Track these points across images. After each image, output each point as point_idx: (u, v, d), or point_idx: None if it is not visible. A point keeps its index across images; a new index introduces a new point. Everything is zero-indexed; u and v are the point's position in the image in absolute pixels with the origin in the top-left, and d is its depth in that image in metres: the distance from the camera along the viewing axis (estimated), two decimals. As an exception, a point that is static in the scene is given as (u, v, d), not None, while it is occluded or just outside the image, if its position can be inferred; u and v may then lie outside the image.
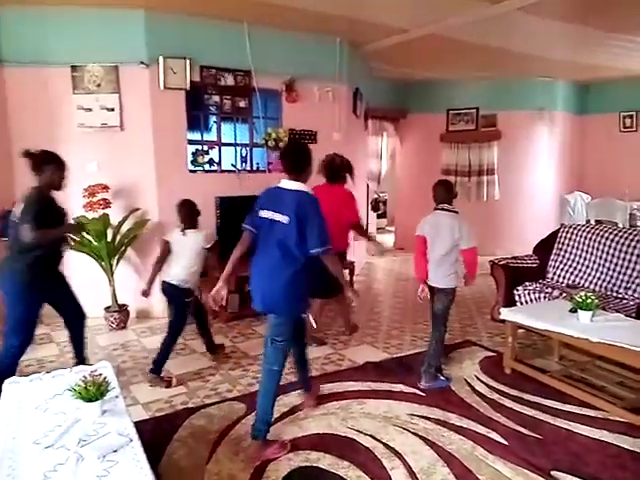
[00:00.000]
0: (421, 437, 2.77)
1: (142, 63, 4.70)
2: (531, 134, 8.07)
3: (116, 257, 4.67)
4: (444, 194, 3.45)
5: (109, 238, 4.59)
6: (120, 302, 4.71)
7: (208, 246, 3.60)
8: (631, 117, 8.12)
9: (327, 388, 3.37)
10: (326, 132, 5.87)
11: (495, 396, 3.27)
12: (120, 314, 4.65)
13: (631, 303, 3.84)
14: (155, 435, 2.77)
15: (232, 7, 4.65)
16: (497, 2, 4.50)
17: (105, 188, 4.64)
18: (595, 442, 2.73)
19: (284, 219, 2.61)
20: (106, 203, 4.60)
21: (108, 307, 4.68)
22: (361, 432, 2.82)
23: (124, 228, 4.69)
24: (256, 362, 3.85)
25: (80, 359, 3.45)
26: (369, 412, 3.06)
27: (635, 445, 2.69)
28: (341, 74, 5.91)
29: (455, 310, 5.22)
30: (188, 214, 3.58)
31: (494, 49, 6.07)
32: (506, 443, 2.71)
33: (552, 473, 2.44)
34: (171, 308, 3.66)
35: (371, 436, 2.78)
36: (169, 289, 3.52)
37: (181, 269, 3.51)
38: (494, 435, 2.79)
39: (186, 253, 3.53)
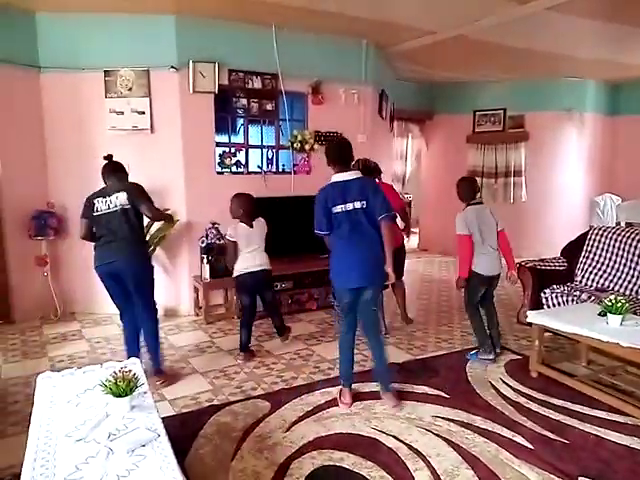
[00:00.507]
0: (445, 439, 2.75)
1: (172, 67, 4.80)
2: (559, 135, 7.92)
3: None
4: (472, 189, 3.85)
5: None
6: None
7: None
8: (666, 117, 7.90)
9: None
10: (351, 134, 5.85)
11: (521, 399, 3.23)
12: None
13: (663, 307, 3.74)
14: (182, 431, 2.84)
15: (260, 11, 4.71)
16: (525, 2, 4.45)
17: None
18: (625, 449, 2.67)
19: (361, 204, 2.98)
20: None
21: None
22: (384, 433, 2.82)
23: (153, 228, 4.79)
24: (280, 361, 3.90)
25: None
26: (393, 413, 3.06)
27: (667, 453, 2.62)
28: (367, 76, 5.92)
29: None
30: (253, 206, 3.93)
31: (521, 50, 5.99)
32: (532, 447, 2.68)
33: (580, 479, 2.41)
34: (251, 297, 3.98)
35: (394, 437, 2.78)
36: (258, 275, 3.88)
37: (260, 255, 3.91)
38: (519, 439, 2.76)
39: (257, 241, 3.91)
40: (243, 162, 5.36)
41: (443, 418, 2.99)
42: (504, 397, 3.27)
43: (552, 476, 2.42)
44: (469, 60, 6.68)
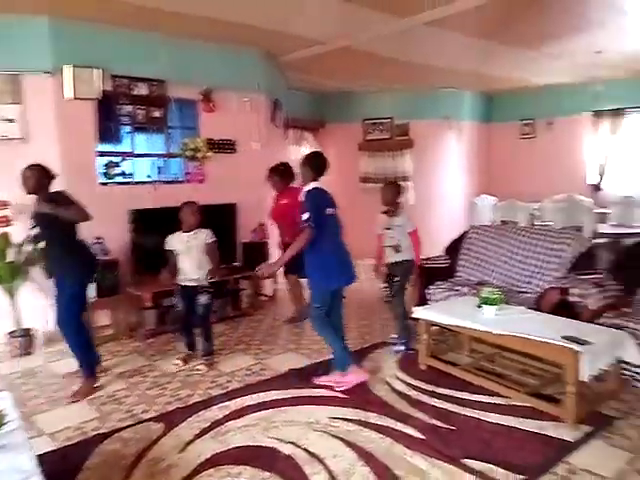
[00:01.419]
0: (342, 439, 2.81)
1: (46, 72, 4.45)
2: (441, 142, 8.51)
3: (19, 278, 4.36)
4: (397, 193, 4.34)
5: (10, 258, 4.28)
6: (25, 326, 4.39)
7: (210, 241, 3.97)
8: (529, 125, 8.80)
9: (250, 399, 3.33)
10: (245, 142, 5.86)
11: (412, 392, 3.39)
12: (24, 339, 4.33)
13: (531, 296, 4.14)
14: (63, 465, 2.61)
15: (143, 17, 4.54)
16: (404, 17, 4.71)
17: (4, 205, 4.33)
18: (502, 427, 2.91)
19: (336, 211, 3.49)
20: (6, 220, 4.31)
21: (11, 332, 4.35)
22: (282, 440, 2.81)
23: (28, 247, 4.38)
24: (175, 379, 3.74)
25: None
26: (291, 420, 3.06)
27: (537, 427, 2.89)
28: (260, 84, 5.93)
29: (375, 310, 5.39)
30: (196, 215, 3.94)
31: (403, 62, 6.35)
32: (423, 437, 2.82)
33: (464, 461, 2.57)
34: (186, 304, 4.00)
35: (293, 443, 2.78)
36: (193, 287, 3.92)
37: (198, 266, 3.92)
38: (411, 431, 2.89)
39: (195, 251, 3.92)
40: (130, 172, 5.10)
41: (340, 418, 3.05)
42: (397, 392, 3.41)
43: (440, 462, 2.57)
44: (356, 71, 6.95)
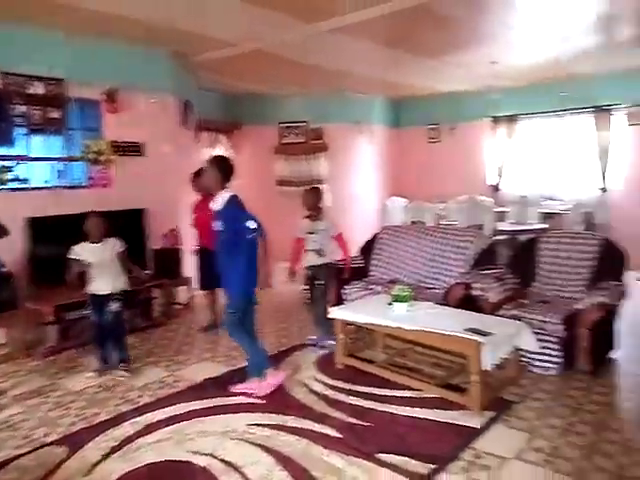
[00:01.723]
0: (259, 445, 2.77)
1: None
2: (353, 146, 8.74)
3: None
4: (318, 198, 4.40)
5: None
6: None
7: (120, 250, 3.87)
8: (435, 129, 9.28)
9: (162, 413, 3.19)
10: (154, 144, 5.65)
11: (330, 392, 3.43)
12: None
13: (439, 292, 4.36)
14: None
15: (39, 11, 4.22)
16: (310, 22, 4.77)
17: None
18: (415, 420, 3.02)
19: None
20: None
21: None
22: (198, 452, 2.72)
23: None
24: (80, 397, 3.50)
25: None
26: (206, 430, 2.97)
27: (447, 417, 3.03)
28: (169, 85, 5.75)
29: (293, 313, 5.40)
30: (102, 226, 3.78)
31: (314, 66, 6.44)
32: (340, 436, 2.85)
33: (379, 456, 2.64)
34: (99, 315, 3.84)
35: (208, 454, 2.70)
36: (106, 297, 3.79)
37: (110, 276, 3.80)
38: (329, 430, 2.91)
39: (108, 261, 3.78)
40: (25, 177, 4.72)
41: (257, 425, 3.01)
42: (315, 393, 3.44)
43: (356, 459, 2.61)
44: (269, 74, 6.94)
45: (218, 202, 3.30)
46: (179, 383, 3.70)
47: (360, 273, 4.97)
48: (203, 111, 7.38)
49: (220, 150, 8.30)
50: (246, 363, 3.60)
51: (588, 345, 3.49)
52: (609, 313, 3.63)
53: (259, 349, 3.50)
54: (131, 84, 5.39)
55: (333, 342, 4.16)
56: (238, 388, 3.47)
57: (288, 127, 8.47)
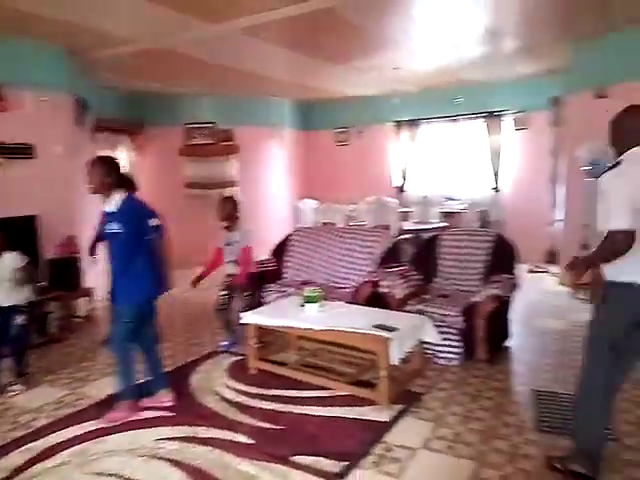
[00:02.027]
0: (169, 460, 2.66)
1: None
2: (265, 148, 8.71)
3: None
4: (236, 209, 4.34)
5: None
6: None
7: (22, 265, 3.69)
8: (343, 132, 9.50)
9: (61, 435, 2.96)
10: (46, 146, 5.23)
11: (242, 398, 3.38)
12: None
13: (349, 291, 4.46)
14: None
15: None
16: (217, 22, 4.66)
17: None
18: (327, 419, 3.06)
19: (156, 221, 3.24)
20: None
21: None
22: (102, 474, 2.56)
23: None
24: (-37, 425, 3.15)
25: None
26: (112, 449, 2.80)
27: (358, 413, 3.10)
28: (61, 82, 5.35)
29: (203, 320, 5.26)
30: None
31: (222, 67, 6.32)
32: (252, 442, 2.82)
33: (292, 459, 2.64)
34: None
35: (114, 475, 2.55)
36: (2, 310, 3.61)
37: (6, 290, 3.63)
38: (241, 437, 2.87)
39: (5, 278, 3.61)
40: None
41: (166, 438, 2.88)
42: (227, 400, 3.36)
43: (269, 464, 2.59)
44: (176, 73, 6.71)
45: (112, 203, 3.07)
46: (81, 401, 3.45)
47: (273, 276, 4.95)
48: (104, 111, 6.99)
49: (122, 152, 7.90)
50: (149, 377, 3.43)
51: (484, 335, 3.74)
52: (503, 304, 3.92)
53: (131, 377, 3.20)
54: (19, 81, 4.98)
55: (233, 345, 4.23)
56: (115, 417, 3.14)
57: (195, 128, 8.24)
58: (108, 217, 3.10)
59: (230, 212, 4.32)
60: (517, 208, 7.85)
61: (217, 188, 8.26)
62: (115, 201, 3.08)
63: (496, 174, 8.07)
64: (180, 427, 3.01)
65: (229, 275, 4.38)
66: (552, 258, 7.27)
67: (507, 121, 7.96)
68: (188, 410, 3.24)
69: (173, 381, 3.70)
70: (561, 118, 6.73)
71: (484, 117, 8.06)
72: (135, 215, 3.09)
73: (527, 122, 7.80)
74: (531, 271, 6.95)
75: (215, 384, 3.64)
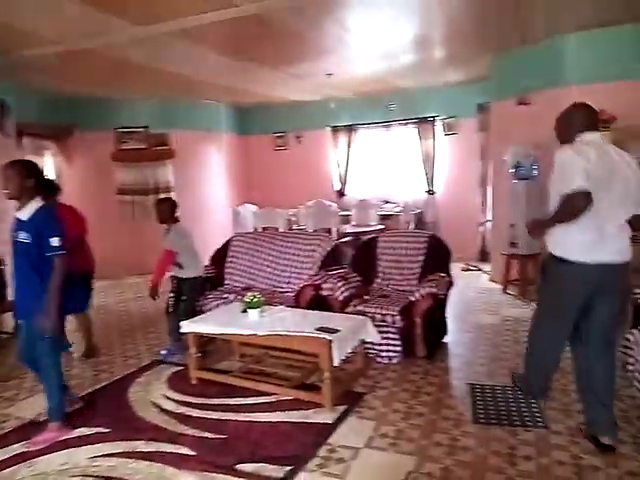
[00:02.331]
0: (104, 477, 2.55)
1: None
2: (202, 153, 8.55)
3: None
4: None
5: None
6: None
7: None
8: (282, 137, 9.51)
9: (-16, 461, 2.76)
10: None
11: (183, 409, 3.29)
12: None
13: (291, 294, 4.46)
14: None
15: None
16: (145, 25, 4.52)
17: None
18: (270, 425, 3.04)
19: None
20: None
21: None
22: (31, 499, 2.41)
23: None
24: None
25: None
26: (42, 471, 2.65)
27: (301, 417, 3.11)
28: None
29: (141, 331, 5.09)
30: None
31: (153, 70, 6.13)
32: (194, 453, 2.75)
33: (236, 467, 2.60)
34: None
35: (44, 499, 2.41)
36: None
37: None
38: (183, 449, 2.79)
39: None
40: None
41: (102, 456, 2.76)
42: (167, 412, 3.27)
43: (212, 474, 2.54)
44: (105, 75, 6.44)
45: (26, 211, 2.89)
46: (5, 423, 3.23)
47: (214, 282, 4.86)
48: (28, 115, 6.60)
49: (48, 158, 7.50)
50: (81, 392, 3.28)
51: (422, 332, 3.87)
52: (439, 302, 4.06)
53: (61, 396, 3.07)
54: None
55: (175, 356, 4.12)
56: (44, 439, 2.93)
57: (127, 132, 7.96)
58: (18, 225, 2.91)
59: (166, 213, 4.23)
60: (450, 209, 8.18)
61: (152, 194, 8.02)
62: (29, 209, 2.91)
63: (430, 177, 8.37)
64: (118, 443, 2.89)
65: (173, 277, 4.33)
66: (484, 256, 7.63)
67: (438, 126, 8.28)
68: (126, 425, 3.11)
69: (110, 396, 3.58)
70: (487, 123, 7.09)
71: (416, 122, 8.34)
72: (43, 228, 2.86)
73: (457, 127, 8.16)
74: (465, 269, 7.25)
75: (155, 396, 3.53)
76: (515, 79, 5.87)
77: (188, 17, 4.26)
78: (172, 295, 4.40)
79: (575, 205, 2.35)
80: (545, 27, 5.04)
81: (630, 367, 3.06)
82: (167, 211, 4.26)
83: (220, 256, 5.19)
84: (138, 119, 8.03)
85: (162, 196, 6.98)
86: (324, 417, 3.09)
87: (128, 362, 4.25)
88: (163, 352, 4.26)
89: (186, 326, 3.66)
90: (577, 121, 2.58)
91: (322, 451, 2.73)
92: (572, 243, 2.50)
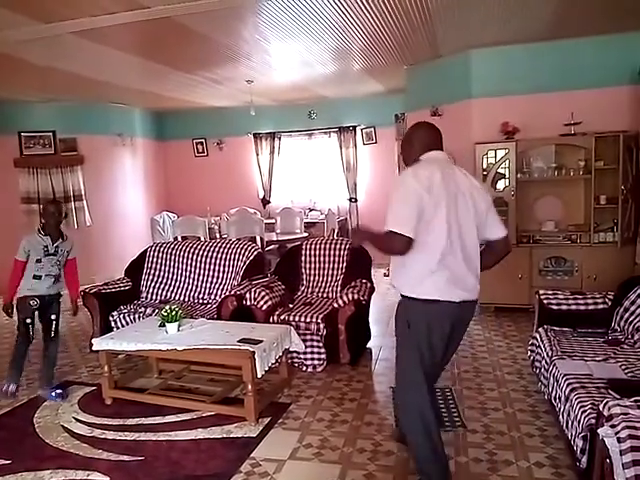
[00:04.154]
0: (4, 516, 2.32)
1: None
2: (115, 158, 8.13)
3: None
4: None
5: None
6: None
7: None
8: (202, 143, 9.29)
9: None
10: None
11: (96, 432, 3.08)
12: None
13: (213, 306, 4.34)
14: None
15: None
16: (50, 22, 4.23)
17: None
18: (192, 443, 2.91)
19: None
20: None
21: None
22: None
23: None
24: None
25: None
26: None
27: (224, 432, 3.01)
28: None
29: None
30: None
31: (56, 71, 5.73)
32: (108, 479, 2.58)
33: (154, 490, 2.46)
34: None
35: None
36: None
37: None
38: (95, 475, 2.61)
39: None
40: None
41: (1, 492, 2.51)
42: (78, 437, 3.04)
43: (128, 501, 2.39)
44: (3, 76, 5.93)
45: None
46: None
47: (128, 296, 4.61)
48: None
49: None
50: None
51: (346, 339, 3.90)
52: (362, 308, 4.12)
53: None
54: None
55: (60, 391, 3.59)
56: None
57: (32, 137, 7.40)
58: None
59: (57, 218, 3.72)
60: (371, 216, 8.34)
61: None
62: None
63: (352, 185, 8.53)
64: (21, 474, 2.65)
65: (37, 297, 3.66)
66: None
67: (358, 135, 8.48)
68: (31, 454, 2.86)
69: (11, 424, 3.27)
70: (404, 133, 7.34)
71: (338, 131, 8.49)
72: None
73: (376, 136, 8.41)
74: (386, 275, 7.45)
75: (65, 420, 3.27)
76: (428, 91, 6.13)
77: (96, 17, 4.03)
78: (28, 320, 3.66)
79: (394, 248, 2.18)
80: (453, 43, 5.30)
81: (537, 364, 3.27)
82: (54, 215, 3.72)
83: (136, 267, 4.94)
84: (44, 123, 7.50)
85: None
86: (247, 431, 3.01)
87: (33, 385, 3.90)
88: (42, 392, 3.66)
89: (97, 343, 3.42)
90: (419, 141, 2.36)
91: (245, 466, 2.66)
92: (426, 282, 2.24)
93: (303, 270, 4.68)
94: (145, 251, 5.02)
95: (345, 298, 3.91)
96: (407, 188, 2.17)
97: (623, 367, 2.75)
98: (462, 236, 2.20)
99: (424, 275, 2.19)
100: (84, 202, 7.65)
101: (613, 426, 1.82)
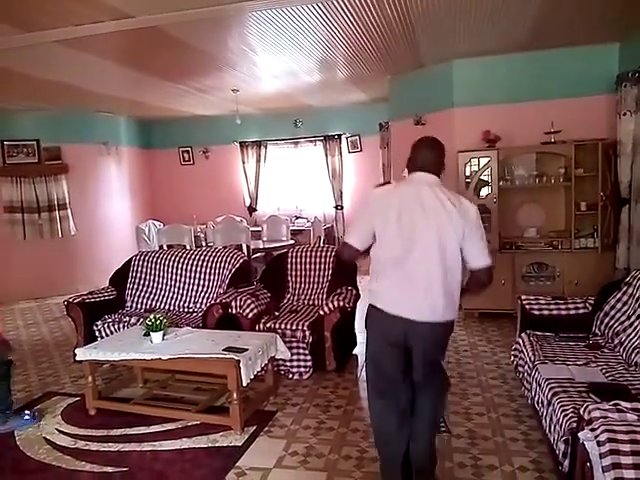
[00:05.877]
0: (-16, 531, 2.28)
1: None
2: (100, 167, 8.09)
3: None
4: None
5: None
6: None
7: None
8: (188, 152, 9.27)
9: None
10: None
11: (80, 444, 3.04)
12: None
13: (199, 315, 4.32)
14: None
15: None
16: (31, 31, 4.21)
17: None
18: (177, 453, 2.90)
19: None
20: None
21: None
22: None
23: None
24: None
25: None
26: None
27: (209, 441, 3.00)
28: None
29: (33, 361, 4.67)
30: None
31: (40, 80, 5.70)
32: (92, 491, 2.56)
33: (138, 502, 2.44)
34: None
35: None
36: None
37: None
38: (78, 488, 2.58)
39: None
40: None
41: (-18, 506, 2.47)
42: (61, 449, 3.00)
43: (112, 513, 2.37)
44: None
45: None
46: None
47: (113, 305, 4.58)
48: None
49: None
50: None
51: (332, 346, 3.91)
52: (347, 314, 4.13)
53: None
54: None
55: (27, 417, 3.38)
56: None
57: (15, 146, 7.33)
58: None
59: None
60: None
61: (45, 212, 7.44)
62: None
63: (338, 193, 8.58)
64: (0, 490, 2.61)
65: None
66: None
67: (344, 143, 8.54)
68: (11, 467, 2.81)
69: (-9, 436, 3.21)
70: (388, 141, 7.41)
71: (323, 140, 8.55)
72: None
73: (361, 145, 8.48)
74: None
75: (47, 431, 3.23)
76: (411, 100, 6.21)
77: (80, 26, 4.02)
78: None
79: (343, 255, 2.50)
80: (435, 54, 5.39)
81: (520, 369, 3.31)
82: None
83: (121, 276, 4.91)
84: (27, 131, 7.44)
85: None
86: (233, 440, 3.00)
87: (16, 396, 3.84)
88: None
89: (81, 353, 3.39)
90: (413, 159, 2.46)
91: (231, 476, 2.65)
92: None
93: (289, 278, 4.69)
94: (130, 260, 4.99)
95: (331, 305, 3.93)
96: (368, 204, 2.40)
97: (604, 371, 2.81)
98: (414, 257, 2.21)
99: (372, 282, 2.37)
100: (68, 211, 7.59)
101: (593, 430, 1.85)
